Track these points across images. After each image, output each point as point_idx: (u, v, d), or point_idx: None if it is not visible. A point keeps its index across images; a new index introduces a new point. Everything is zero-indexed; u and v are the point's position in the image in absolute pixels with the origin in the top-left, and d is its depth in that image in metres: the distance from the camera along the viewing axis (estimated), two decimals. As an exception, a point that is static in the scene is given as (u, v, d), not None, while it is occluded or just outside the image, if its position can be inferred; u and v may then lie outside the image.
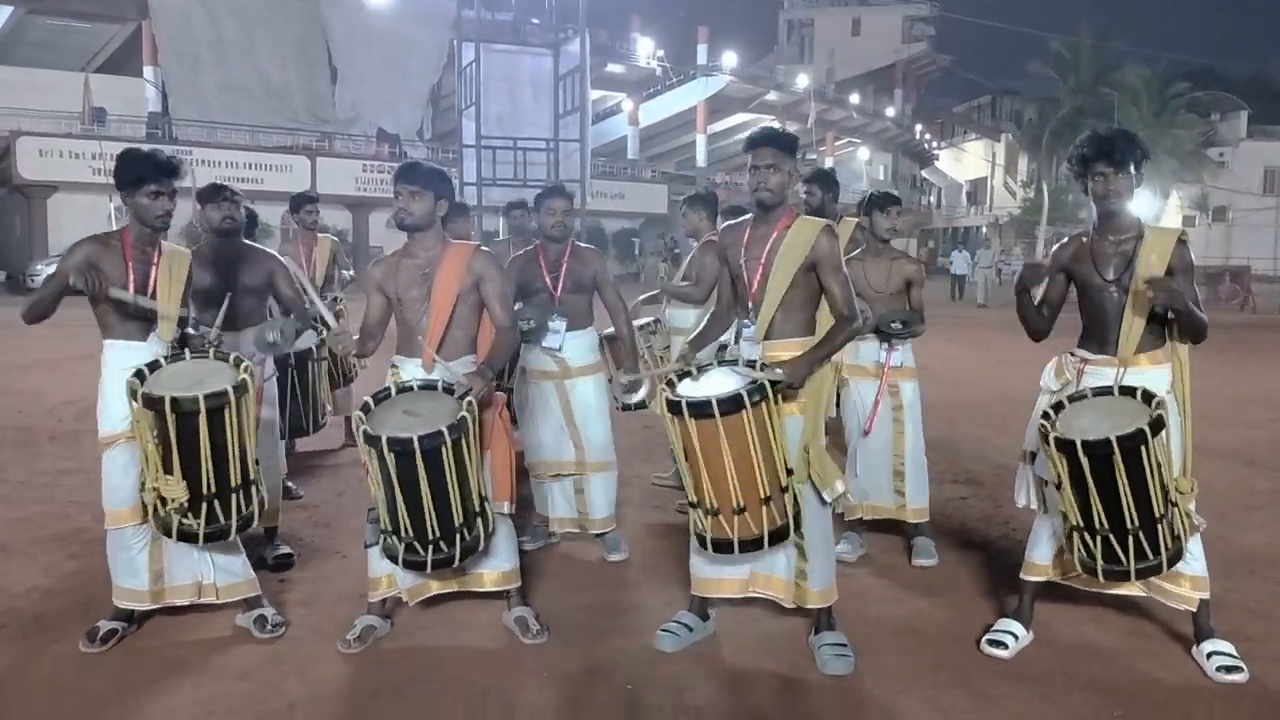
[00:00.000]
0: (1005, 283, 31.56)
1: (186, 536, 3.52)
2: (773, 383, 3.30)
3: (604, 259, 4.90)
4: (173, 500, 3.43)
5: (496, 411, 3.79)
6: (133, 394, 3.36)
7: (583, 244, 4.86)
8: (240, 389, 3.46)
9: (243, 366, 3.56)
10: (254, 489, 3.62)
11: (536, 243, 4.83)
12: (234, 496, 3.52)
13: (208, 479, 3.43)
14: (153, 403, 3.33)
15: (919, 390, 4.82)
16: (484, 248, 3.87)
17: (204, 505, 3.47)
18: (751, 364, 3.45)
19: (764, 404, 3.28)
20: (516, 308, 4.40)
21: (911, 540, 4.76)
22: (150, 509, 3.52)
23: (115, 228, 3.85)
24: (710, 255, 5.09)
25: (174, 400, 3.32)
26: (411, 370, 3.74)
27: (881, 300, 4.66)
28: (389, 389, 3.62)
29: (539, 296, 4.68)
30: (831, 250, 3.52)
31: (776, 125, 44.95)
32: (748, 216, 3.76)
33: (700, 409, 3.28)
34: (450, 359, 3.70)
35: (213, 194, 4.64)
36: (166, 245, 3.81)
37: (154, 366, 3.51)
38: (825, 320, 3.63)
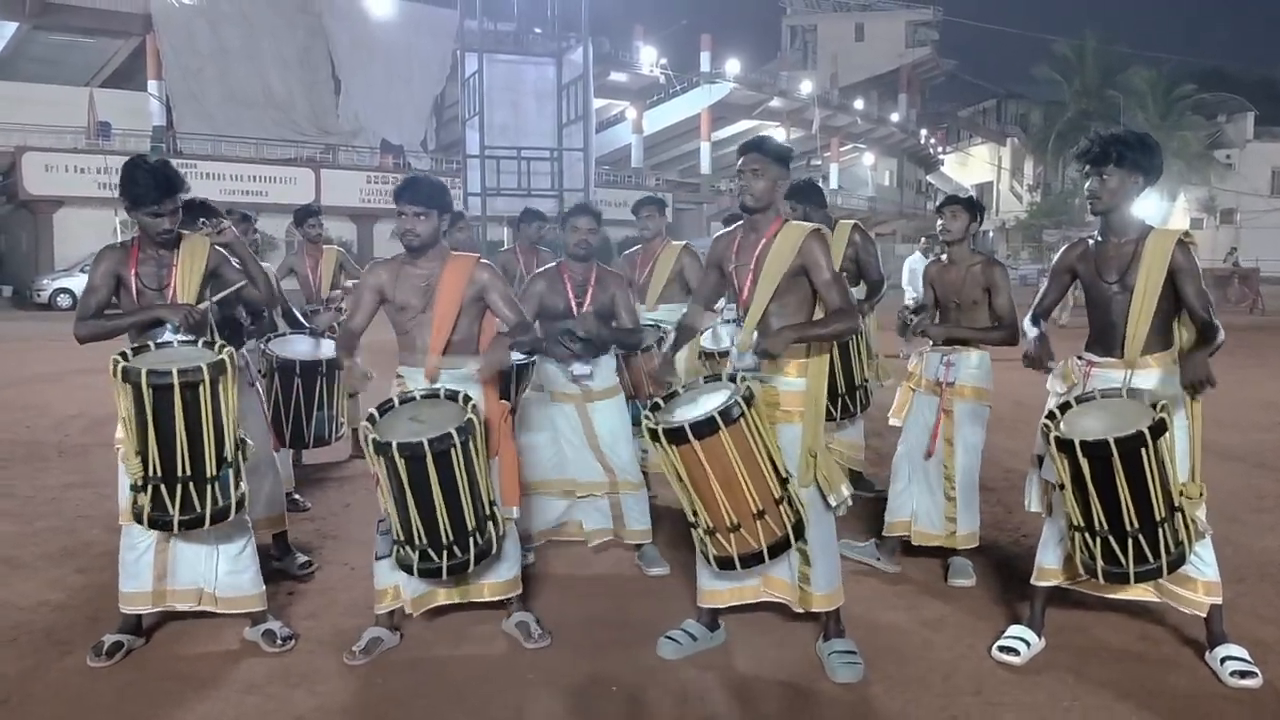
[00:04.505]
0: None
1: (138, 518, 3.48)
2: (747, 399, 3.27)
3: (624, 282, 4.85)
4: (131, 477, 3.43)
5: (501, 418, 3.80)
6: (114, 369, 3.33)
7: (607, 267, 4.83)
8: (215, 369, 3.38)
9: (223, 350, 3.49)
10: (210, 487, 3.47)
11: (561, 260, 4.79)
12: (179, 487, 3.42)
13: (153, 461, 3.38)
14: (126, 375, 3.31)
15: (981, 413, 4.55)
16: (484, 259, 3.90)
17: (149, 488, 3.42)
18: (734, 377, 3.43)
19: (742, 420, 3.24)
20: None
21: (949, 559, 4.62)
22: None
23: (119, 240, 3.87)
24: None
25: (125, 371, 3.30)
26: (416, 380, 3.75)
27: (961, 311, 4.55)
28: (392, 400, 3.64)
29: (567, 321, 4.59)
30: (818, 252, 3.50)
31: (781, 131, 44.58)
32: (739, 224, 3.78)
33: (676, 435, 3.26)
34: (453, 368, 3.73)
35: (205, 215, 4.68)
36: (186, 235, 3.84)
37: (140, 350, 3.49)
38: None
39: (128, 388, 3.32)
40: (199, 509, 3.47)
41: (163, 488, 3.43)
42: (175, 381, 3.30)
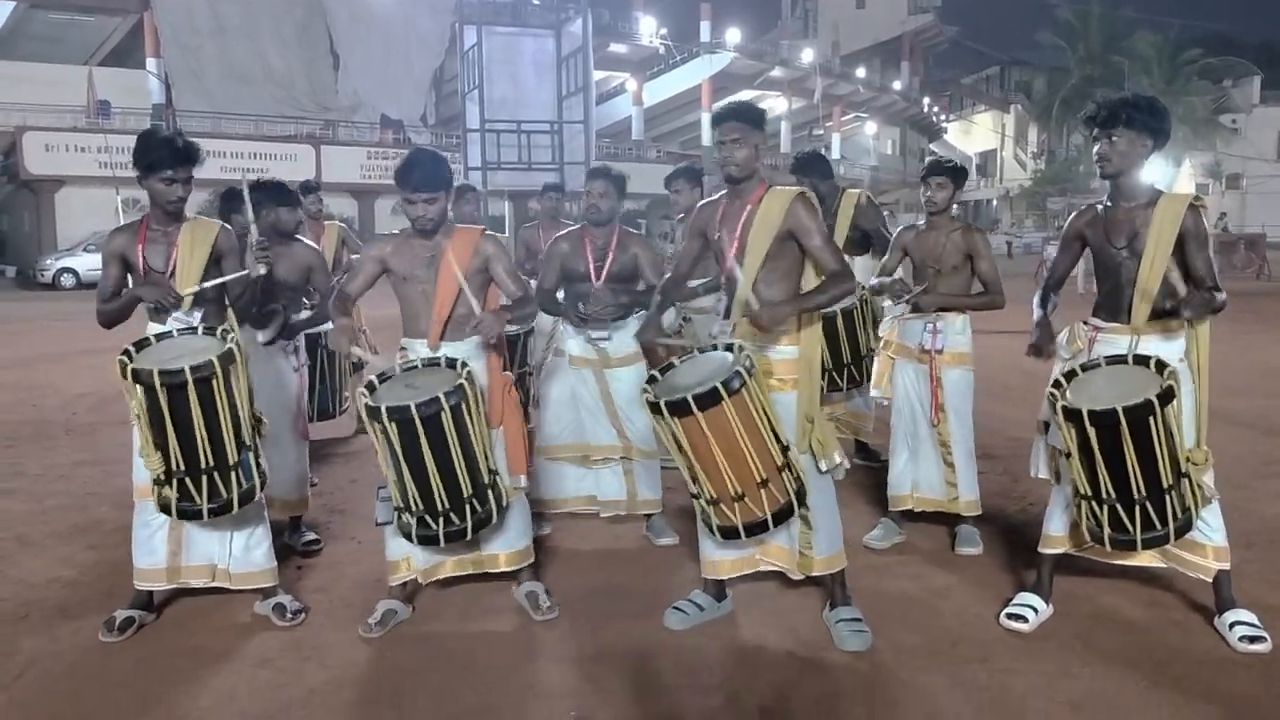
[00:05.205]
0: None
1: (166, 509, 3.51)
2: (748, 368, 3.25)
3: (645, 242, 4.86)
4: (151, 472, 3.45)
5: (505, 390, 3.80)
6: (121, 370, 3.34)
7: (630, 229, 4.84)
8: (224, 359, 3.39)
9: (229, 338, 3.50)
10: (234, 474, 3.51)
11: (582, 224, 4.81)
12: (204, 478, 3.44)
13: (175, 455, 3.39)
14: (137, 376, 3.32)
15: (968, 377, 4.54)
16: (489, 230, 3.89)
17: (175, 481, 3.44)
18: (730, 346, 3.41)
19: (744, 390, 3.22)
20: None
21: (955, 527, 4.60)
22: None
23: (123, 220, 3.85)
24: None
25: (135, 372, 3.31)
26: (418, 350, 3.75)
27: (941, 277, 4.50)
28: (393, 369, 3.64)
29: (584, 285, 4.65)
30: (806, 216, 3.47)
31: (783, 101, 44.02)
32: (722, 193, 3.73)
33: (679, 407, 3.23)
34: (456, 339, 3.73)
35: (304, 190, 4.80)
36: (191, 218, 3.83)
37: (141, 344, 3.50)
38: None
39: (139, 388, 3.32)
40: (225, 495, 3.51)
41: (188, 480, 3.45)
42: (189, 378, 3.30)
